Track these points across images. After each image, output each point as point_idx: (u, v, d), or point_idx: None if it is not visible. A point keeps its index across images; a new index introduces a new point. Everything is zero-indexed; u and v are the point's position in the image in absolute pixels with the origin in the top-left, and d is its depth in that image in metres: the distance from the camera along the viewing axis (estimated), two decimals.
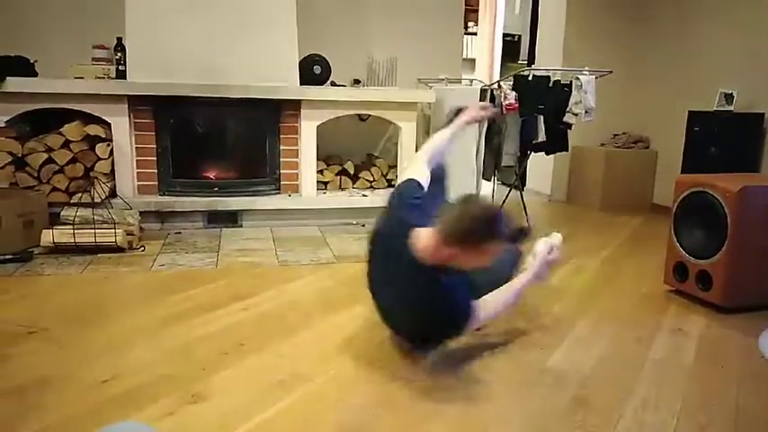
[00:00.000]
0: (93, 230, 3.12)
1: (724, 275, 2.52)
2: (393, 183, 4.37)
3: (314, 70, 4.09)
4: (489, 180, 4.30)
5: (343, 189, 4.31)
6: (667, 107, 4.85)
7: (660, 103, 4.95)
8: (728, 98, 4.12)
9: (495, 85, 3.85)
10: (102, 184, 3.51)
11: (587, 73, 3.80)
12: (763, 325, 2.43)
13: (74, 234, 3.09)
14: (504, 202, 4.68)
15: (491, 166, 4.07)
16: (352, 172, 4.34)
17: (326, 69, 4.15)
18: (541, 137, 3.92)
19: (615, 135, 5.18)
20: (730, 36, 4.27)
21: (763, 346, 2.22)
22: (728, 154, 3.99)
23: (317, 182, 4.11)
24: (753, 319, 2.49)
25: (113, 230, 3.15)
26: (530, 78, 3.76)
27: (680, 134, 4.42)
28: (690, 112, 4.29)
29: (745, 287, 2.56)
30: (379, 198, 4.11)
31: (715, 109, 4.19)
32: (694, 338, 2.30)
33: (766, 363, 2.10)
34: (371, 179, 4.38)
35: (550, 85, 3.83)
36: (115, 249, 3.16)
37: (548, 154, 4.18)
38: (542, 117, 3.88)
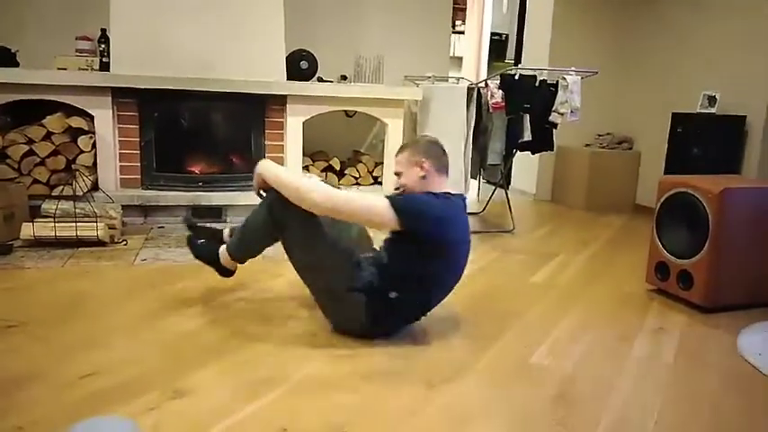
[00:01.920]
0: (74, 224, 3.08)
1: (705, 275, 2.55)
2: (379, 180, 4.36)
3: (300, 65, 4.08)
4: (474, 178, 4.32)
5: None
6: (651, 109, 4.90)
7: (644, 105, 5.00)
8: (711, 100, 4.17)
9: (482, 84, 3.85)
10: (85, 177, 3.46)
11: (573, 73, 3.82)
12: (743, 324, 2.46)
13: (55, 227, 3.05)
14: (488, 200, 4.70)
15: (477, 164, 4.08)
16: (338, 168, 4.33)
17: (313, 65, 4.14)
18: (527, 136, 3.94)
19: (600, 135, 5.22)
20: (714, 39, 4.32)
21: (742, 346, 2.25)
22: (711, 155, 4.04)
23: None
24: (733, 319, 2.52)
25: (95, 224, 3.11)
26: (516, 77, 3.77)
27: (663, 135, 4.47)
28: (673, 113, 4.33)
29: (725, 287, 2.60)
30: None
31: (698, 111, 4.24)
32: (675, 337, 2.33)
33: (746, 362, 2.13)
34: (357, 176, 4.37)
35: (537, 84, 3.85)
36: (97, 243, 3.12)
37: (533, 153, 4.20)
38: (528, 116, 3.90)
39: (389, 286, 2.07)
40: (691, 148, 4.16)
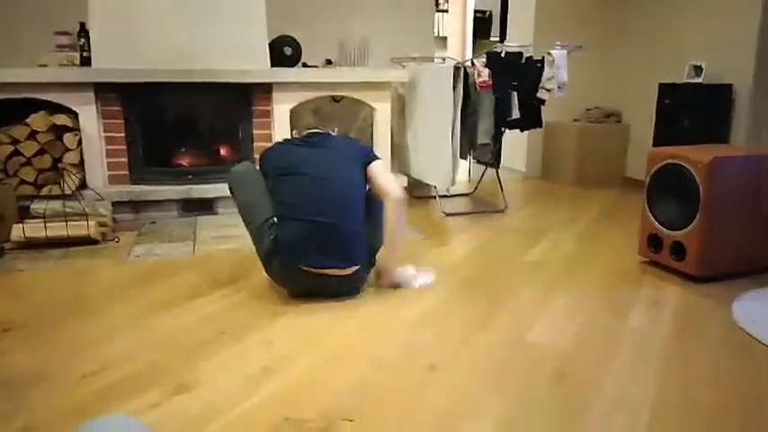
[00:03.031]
0: (64, 223, 3.05)
1: (697, 245, 2.57)
2: None
3: (284, 51, 4.03)
4: (465, 159, 4.31)
5: None
6: (638, 80, 4.90)
7: (631, 77, 4.99)
8: (698, 70, 4.17)
9: (469, 63, 3.83)
10: (72, 176, 3.43)
11: (559, 47, 3.81)
12: (736, 293, 2.49)
13: (45, 227, 3.03)
14: (480, 180, 4.70)
15: (466, 144, 4.07)
16: None
17: (297, 50, 4.09)
18: (515, 113, 3.93)
19: (587, 110, 5.22)
20: (699, 8, 4.31)
21: (737, 314, 2.28)
22: (699, 125, 4.06)
23: None
24: (726, 288, 2.55)
25: (86, 222, 3.08)
26: (503, 55, 3.75)
27: (651, 107, 4.48)
28: (660, 84, 4.34)
29: (717, 256, 2.62)
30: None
31: (684, 81, 4.24)
32: (670, 308, 2.35)
33: (740, 329, 2.16)
34: None
35: (523, 61, 3.83)
36: (88, 242, 3.10)
37: (522, 130, 4.19)
38: (516, 93, 3.89)
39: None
40: (679, 118, 4.17)
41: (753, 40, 3.89)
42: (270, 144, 3.87)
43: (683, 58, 4.35)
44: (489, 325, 2.18)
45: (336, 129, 2.72)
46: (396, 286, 2.53)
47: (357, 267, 2.38)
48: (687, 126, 4.10)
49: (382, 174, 2.49)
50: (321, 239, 2.29)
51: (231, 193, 2.61)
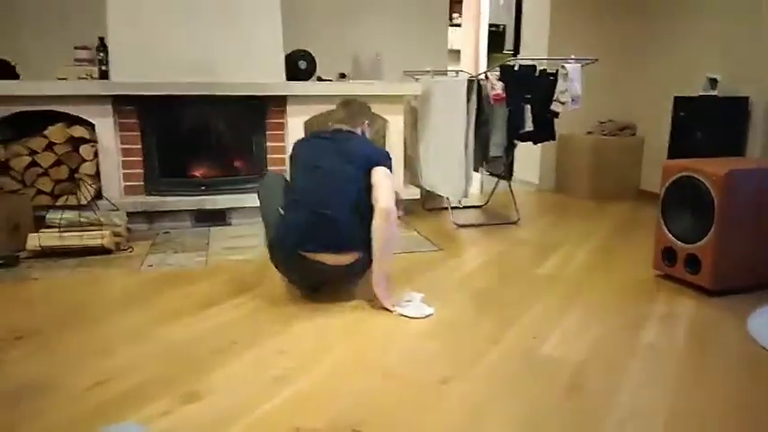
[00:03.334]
0: (79, 233, 3.09)
1: (712, 258, 2.54)
2: None
3: (299, 65, 4.07)
4: (477, 171, 4.31)
5: None
6: (653, 93, 4.88)
7: (646, 90, 4.97)
8: (713, 83, 4.15)
9: (482, 76, 3.84)
10: (88, 186, 3.47)
11: (573, 61, 3.80)
12: (752, 306, 2.45)
13: (60, 237, 3.06)
14: (492, 192, 4.69)
15: (479, 157, 4.07)
16: None
17: (312, 64, 4.13)
18: (529, 126, 3.92)
19: (601, 122, 5.20)
20: (714, 21, 4.29)
21: (752, 328, 2.24)
22: (714, 138, 4.02)
23: None
24: (741, 301, 2.51)
25: (100, 232, 3.12)
26: (516, 68, 3.76)
27: (666, 120, 4.45)
28: (675, 97, 4.31)
29: (733, 269, 2.58)
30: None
31: (700, 94, 4.21)
32: (684, 322, 2.32)
33: (756, 343, 2.12)
34: None
35: (537, 74, 3.83)
36: (103, 251, 3.13)
37: (535, 143, 4.18)
38: (529, 106, 3.88)
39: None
40: (694, 131, 4.14)
41: None
42: (283, 155, 3.93)
43: (698, 71, 4.33)
44: (502, 337, 2.16)
45: (367, 122, 2.82)
46: (387, 305, 2.43)
47: (356, 257, 2.43)
48: (702, 139, 4.07)
49: (379, 180, 2.47)
50: (320, 229, 2.38)
51: (258, 196, 2.79)
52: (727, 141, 4.02)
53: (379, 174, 2.50)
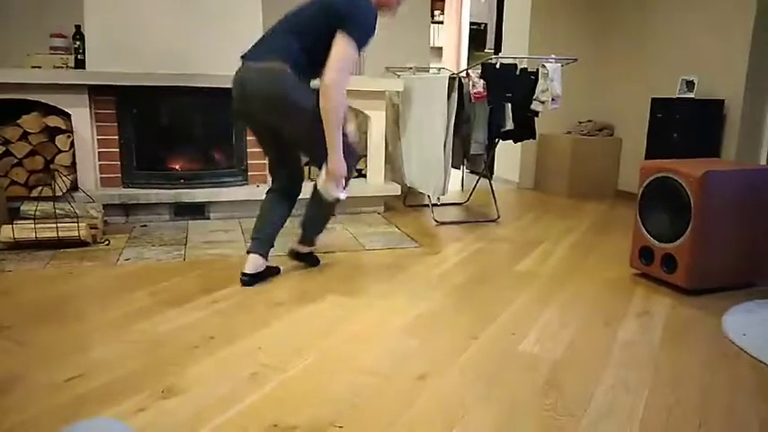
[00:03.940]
0: (55, 225, 3.03)
1: (688, 258, 2.58)
2: (363, 172, 4.35)
3: None
4: (458, 168, 4.32)
5: (311, 179, 4.28)
6: (631, 95, 4.94)
7: (624, 91, 5.03)
8: (690, 85, 4.22)
9: (464, 74, 3.85)
10: (64, 177, 3.41)
11: (553, 61, 3.83)
12: (726, 306, 2.50)
13: (35, 229, 3.00)
14: (473, 189, 4.71)
15: (460, 154, 4.08)
16: None
17: None
18: (509, 125, 3.95)
19: (581, 122, 5.26)
20: (691, 24, 4.35)
21: (727, 327, 2.28)
22: (690, 140, 4.09)
23: None
24: (716, 300, 2.56)
25: (76, 224, 3.06)
26: (497, 66, 3.78)
27: (643, 121, 4.52)
28: (653, 99, 4.37)
29: (708, 269, 2.63)
30: (348, 188, 4.08)
31: (677, 96, 4.28)
32: (661, 320, 2.36)
33: (731, 342, 2.16)
34: None
35: (517, 73, 3.85)
36: (79, 244, 3.08)
37: (515, 142, 4.21)
38: (510, 105, 3.91)
39: None
40: (671, 132, 4.20)
41: (744, 56, 3.93)
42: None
43: (675, 73, 4.39)
44: (480, 334, 2.17)
45: None
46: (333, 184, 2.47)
47: (279, 65, 2.37)
48: (679, 140, 4.13)
49: (335, 49, 2.31)
50: (259, 46, 2.52)
51: None
52: (703, 143, 4.09)
53: (339, 41, 2.29)
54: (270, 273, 2.72)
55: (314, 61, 2.41)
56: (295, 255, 2.90)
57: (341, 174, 2.47)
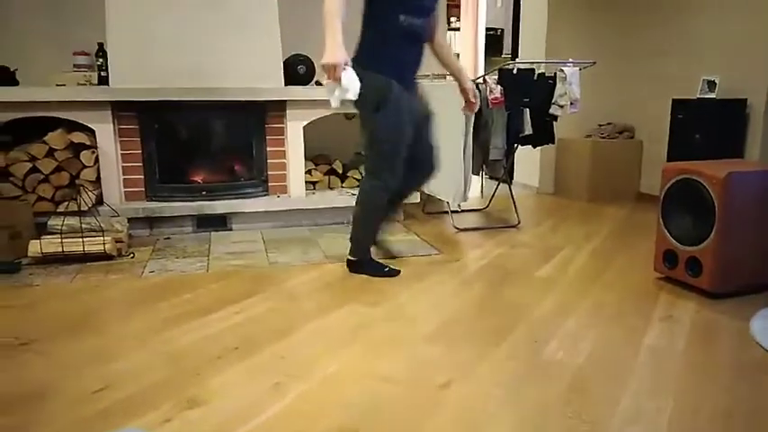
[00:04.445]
0: (81, 239, 3.09)
1: (713, 261, 2.55)
2: None
3: (298, 70, 4.08)
4: (477, 174, 4.31)
5: (332, 188, 4.31)
6: (651, 96, 4.88)
7: (644, 93, 4.98)
8: (711, 85, 4.16)
9: (481, 80, 3.85)
10: (89, 192, 3.48)
11: (571, 65, 3.81)
12: (753, 309, 2.45)
13: (62, 243, 3.06)
14: (492, 195, 4.69)
15: (479, 160, 4.07)
16: (340, 171, 4.33)
17: (311, 69, 4.14)
18: (528, 130, 3.93)
19: (600, 125, 5.21)
20: (712, 23, 4.30)
21: (754, 330, 2.24)
22: (713, 140, 4.03)
23: (306, 182, 4.09)
24: (742, 304, 2.51)
25: (102, 238, 3.12)
26: (514, 72, 3.77)
27: (665, 123, 4.46)
28: (673, 100, 4.32)
29: (733, 272, 2.59)
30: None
31: (698, 96, 4.22)
32: (686, 325, 2.32)
33: (757, 346, 2.12)
34: (360, 178, 4.36)
35: (535, 78, 3.84)
36: (104, 257, 3.13)
37: (534, 146, 4.19)
38: (528, 110, 3.89)
39: None
40: (692, 134, 4.15)
41: (767, 55, 3.87)
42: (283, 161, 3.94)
43: (696, 74, 4.34)
44: (502, 341, 2.16)
45: None
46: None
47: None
48: (701, 141, 4.08)
49: None
50: None
51: None
52: (726, 144, 4.03)
53: None
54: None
55: (362, 37, 2.63)
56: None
57: (327, 62, 2.40)
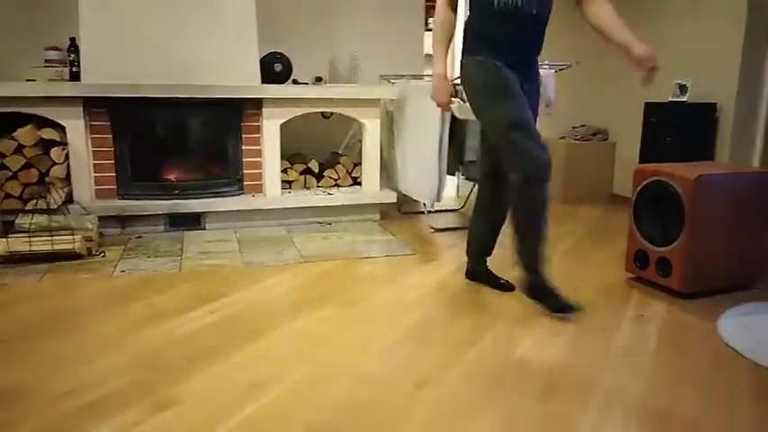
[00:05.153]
0: (50, 238, 3.03)
1: (682, 261, 2.59)
2: (359, 180, 4.36)
3: (275, 68, 4.05)
4: (453, 175, 4.33)
5: (308, 188, 4.29)
6: (624, 99, 4.96)
7: (617, 95, 5.05)
8: (683, 89, 4.24)
9: (457, 81, 3.86)
10: (59, 190, 3.41)
11: (547, 67, 3.85)
12: (722, 309, 2.51)
13: (30, 242, 3.00)
14: (468, 196, 4.72)
15: (455, 161, 4.09)
16: (316, 170, 4.32)
17: (288, 67, 4.12)
18: None
19: (574, 127, 5.28)
20: (684, 27, 4.38)
21: (723, 330, 2.29)
22: (684, 143, 4.11)
23: (282, 181, 4.07)
24: (712, 304, 2.57)
25: (71, 237, 3.06)
26: None
27: (637, 125, 4.53)
28: (646, 103, 4.39)
29: (702, 272, 2.64)
30: (343, 197, 4.10)
31: (670, 100, 4.30)
32: (657, 324, 2.36)
33: (726, 345, 2.17)
34: (336, 177, 4.36)
35: None
36: (74, 256, 3.07)
37: None
38: None
39: None
40: (664, 136, 4.22)
41: (736, 60, 3.96)
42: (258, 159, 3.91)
43: (669, 77, 4.41)
44: (477, 341, 2.17)
45: None
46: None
47: None
48: (673, 144, 4.15)
49: None
50: None
51: None
52: (697, 146, 4.11)
53: None
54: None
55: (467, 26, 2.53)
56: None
57: (433, 99, 2.57)
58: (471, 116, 2.48)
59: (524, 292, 2.52)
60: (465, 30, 2.54)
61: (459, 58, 2.56)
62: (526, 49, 2.53)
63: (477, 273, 2.85)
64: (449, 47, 2.61)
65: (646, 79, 2.42)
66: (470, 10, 2.51)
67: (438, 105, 2.61)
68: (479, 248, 2.83)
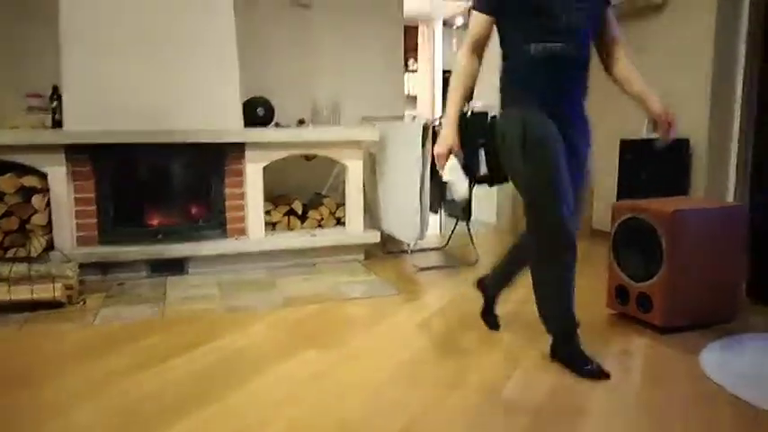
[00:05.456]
0: (30, 286, 2.99)
1: (662, 296, 2.62)
2: (342, 220, 4.37)
3: (257, 112, 4.10)
4: (436, 213, 4.37)
5: (291, 229, 4.29)
6: (602, 136, 5.05)
7: (595, 132, 5.14)
8: (655, 125, 4.33)
9: (437, 122, 3.94)
10: (39, 237, 3.38)
11: None
12: (703, 343, 2.53)
13: (9, 291, 2.96)
14: (451, 234, 4.75)
15: (437, 199, 4.14)
16: (300, 211, 4.33)
17: (270, 111, 4.17)
18: (483, 170, 4.02)
19: None
20: (654, 64, 4.52)
21: (705, 364, 2.31)
22: (659, 179, 4.19)
23: (266, 223, 4.07)
24: (693, 338, 2.59)
25: (51, 285, 3.03)
26: (468, 114, 3.87)
27: (614, 161, 4.62)
28: (621, 140, 4.50)
29: (683, 307, 2.67)
30: (327, 237, 4.10)
31: (641, 137, 4.40)
32: (639, 360, 2.38)
33: (709, 379, 2.18)
34: (320, 218, 4.37)
35: (488, 120, 3.95)
36: (55, 305, 3.03)
37: (490, 186, 4.27)
38: (483, 150, 3.99)
39: None
40: (639, 173, 4.31)
41: (706, 94, 4.07)
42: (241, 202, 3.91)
43: (641, 114, 4.52)
44: (462, 382, 2.17)
45: None
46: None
47: None
48: (648, 179, 4.23)
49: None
50: None
51: None
52: (672, 182, 4.20)
53: None
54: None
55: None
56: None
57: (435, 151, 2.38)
58: (457, 179, 2.44)
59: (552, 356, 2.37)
60: (501, 80, 2.44)
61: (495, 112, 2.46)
62: (568, 95, 2.45)
63: (486, 290, 2.85)
64: (467, 96, 2.48)
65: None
66: (504, 58, 2.40)
67: (435, 155, 2.43)
68: (501, 278, 2.80)
